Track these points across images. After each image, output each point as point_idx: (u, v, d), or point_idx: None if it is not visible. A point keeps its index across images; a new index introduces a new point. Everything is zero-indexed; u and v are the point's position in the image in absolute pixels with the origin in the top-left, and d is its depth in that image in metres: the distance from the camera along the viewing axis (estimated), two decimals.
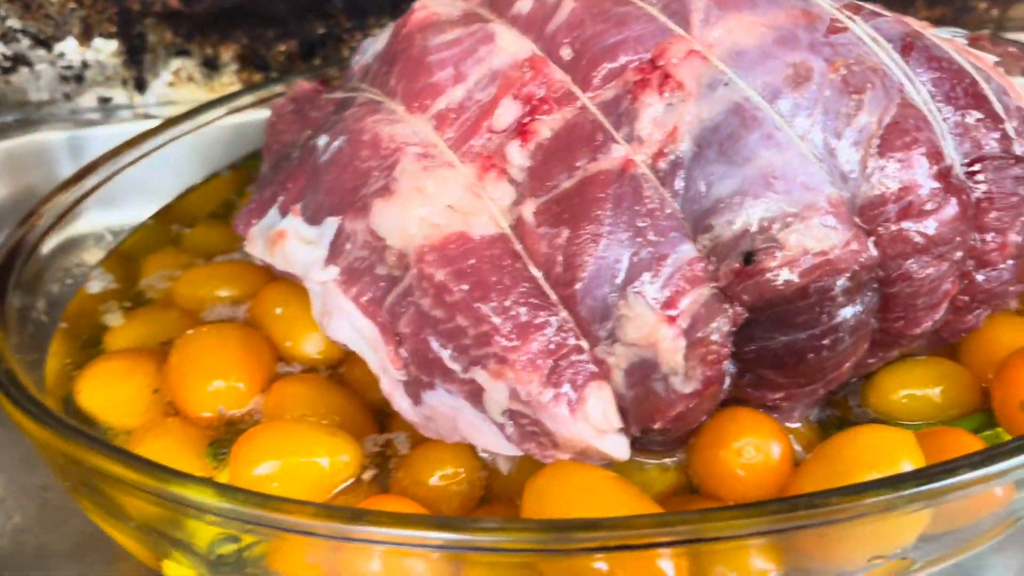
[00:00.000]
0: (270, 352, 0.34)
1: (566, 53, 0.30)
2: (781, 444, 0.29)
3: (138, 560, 0.33)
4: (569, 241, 0.27)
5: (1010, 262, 0.31)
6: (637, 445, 0.30)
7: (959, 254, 0.29)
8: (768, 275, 0.26)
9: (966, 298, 0.30)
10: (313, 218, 0.31)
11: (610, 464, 0.29)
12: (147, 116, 0.54)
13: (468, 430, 0.28)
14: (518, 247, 0.28)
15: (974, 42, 0.36)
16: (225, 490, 0.25)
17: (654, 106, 0.28)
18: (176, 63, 0.53)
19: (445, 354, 0.27)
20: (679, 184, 0.28)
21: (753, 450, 0.28)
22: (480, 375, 0.27)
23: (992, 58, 0.35)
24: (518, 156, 0.29)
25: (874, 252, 0.27)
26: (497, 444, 0.28)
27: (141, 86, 0.53)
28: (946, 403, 0.32)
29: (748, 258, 0.27)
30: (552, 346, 0.27)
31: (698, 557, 0.25)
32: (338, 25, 0.54)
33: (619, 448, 0.28)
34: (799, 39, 0.29)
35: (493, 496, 0.30)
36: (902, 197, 0.27)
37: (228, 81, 0.54)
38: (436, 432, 0.29)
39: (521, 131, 0.29)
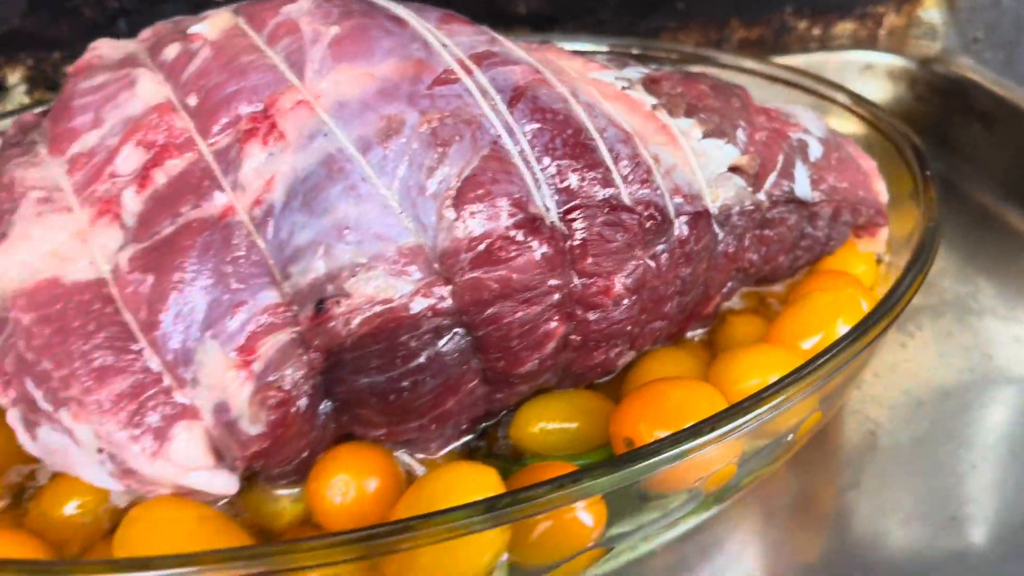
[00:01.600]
0: None
1: (192, 100, 0.31)
2: (378, 478, 0.30)
3: None
4: (152, 288, 0.28)
5: (624, 302, 0.32)
6: (263, 478, 0.32)
7: (557, 296, 0.30)
8: (334, 323, 0.28)
9: (578, 338, 0.32)
10: None
11: (234, 496, 0.31)
12: None
13: (77, 467, 0.29)
14: (114, 292, 0.29)
15: (650, 83, 0.37)
16: None
17: (256, 155, 0.30)
18: None
19: (39, 395, 0.28)
20: (270, 232, 0.29)
21: (343, 487, 0.30)
22: (64, 417, 0.28)
23: (651, 101, 0.36)
24: (132, 202, 0.30)
25: (449, 300, 0.28)
26: (103, 480, 0.29)
27: None
28: (585, 436, 0.34)
29: (319, 306, 0.28)
30: (135, 389, 0.28)
31: None
32: None
33: (219, 484, 0.29)
34: (399, 91, 0.30)
35: None
36: (474, 247, 0.28)
37: (20, 102, 0.55)
38: (58, 466, 0.30)
39: (141, 177, 0.31)
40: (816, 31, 0.69)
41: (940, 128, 0.66)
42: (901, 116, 0.69)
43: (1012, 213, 0.59)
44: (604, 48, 0.55)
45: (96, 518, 0.31)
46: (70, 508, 0.31)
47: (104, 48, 0.35)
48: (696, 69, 0.54)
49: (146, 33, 0.36)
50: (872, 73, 0.68)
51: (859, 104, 0.48)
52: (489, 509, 0.25)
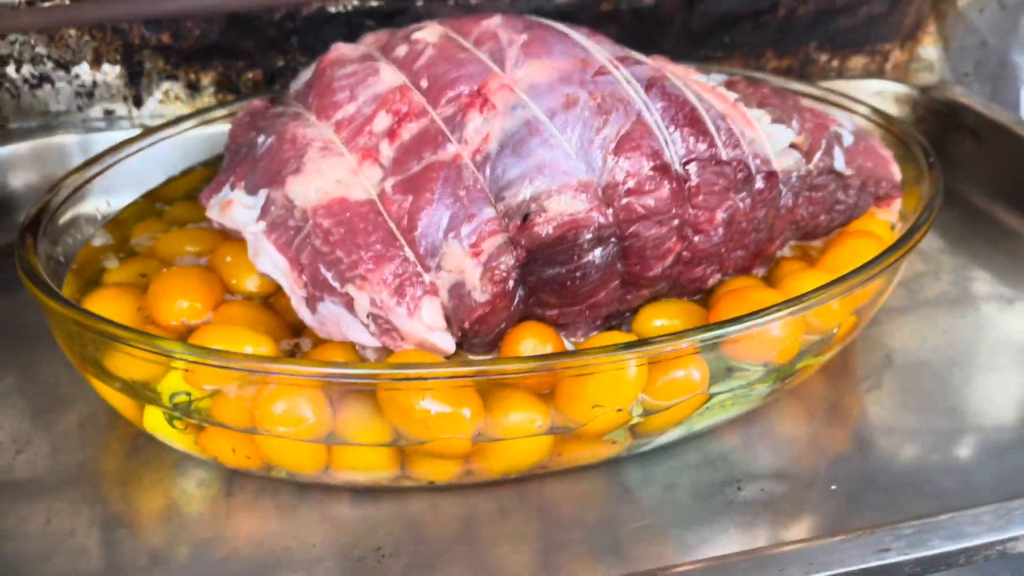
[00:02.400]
0: (221, 286, 0.48)
1: (424, 83, 0.45)
2: (553, 343, 0.43)
3: (125, 427, 0.47)
4: (412, 204, 0.42)
5: (720, 230, 0.45)
6: (465, 347, 0.45)
7: (677, 222, 0.44)
8: (536, 228, 0.41)
9: (688, 254, 0.45)
10: (251, 190, 0.46)
11: (446, 356, 0.44)
12: (142, 126, 0.68)
13: (347, 330, 0.42)
14: (381, 208, 0.42)
15: (729, 84, 0.51)
16: (184, 343, 0.39)
17: (476, 120, 0.43)
18: (166, 85, 0.67)
19: (329, 276, 0.42)
20: (487, 171, 0.42)
21: (532, 347, 0.43)
22: (351, 289, 0.41)
23: (734, 95, 0.50)
24: (387, 149, 0.44)
25: (610, 217, 0.42)
26: (365, 338, 0.42)
27: (138, 102, 0.67)
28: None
29: (525, 217, 0.41)
30: (399, 270, 0.41)
31: (486, 396, 0.39)
32: (294, 59, 0.69)
33: (446, 342, 0.42)
34: (573, 78, 0.44)
35: None
36: (627, 182, 0.42)
37: (207, 100, 0.69)
38: (328, 333, 0.43)
39: (390, 133, 0.44)
40: (835, 63, 0.83)
41: (937, 142, 0.80)
42: None
43: (998, 210, 0.73)
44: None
45: None
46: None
47: (343, 48, 0.49)
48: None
49: (370, 39, 0.50)
50: (881, 97, 0.82)
51: (877, 114, 0.62)
52: (629, 346, 0.39)
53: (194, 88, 0.68)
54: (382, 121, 0.44)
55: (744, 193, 0.46)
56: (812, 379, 0.53)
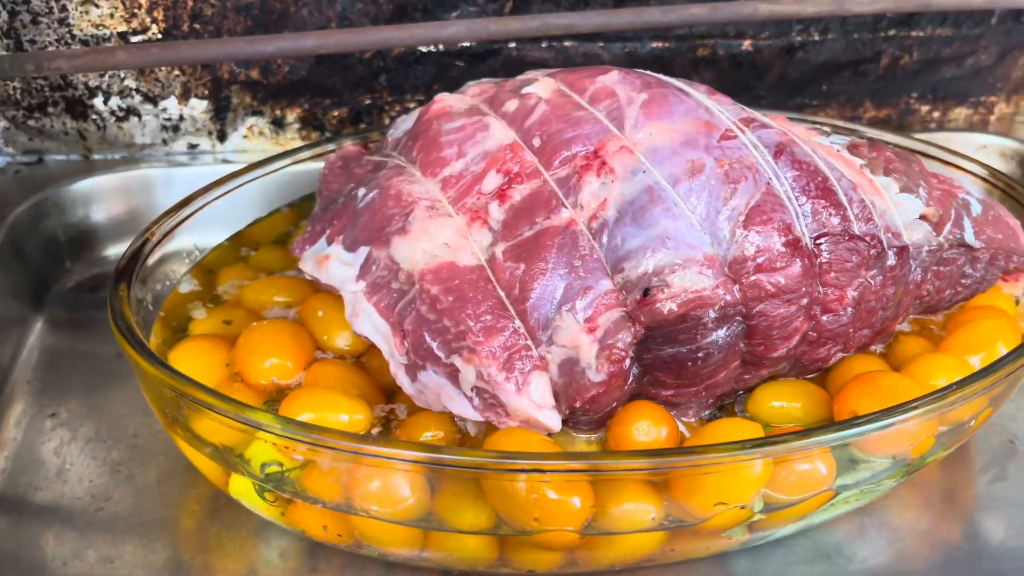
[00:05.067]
0: (311, 342, 0.46)
1: (536, 142, 0.43)
2: (668, 427, 0.40)
3: (206, 486, 0.45)
4: (525, 272, 0.39)
5: (849, 310, 0.42)
6: (571, 424, 0.42)
7: (805, 301, 0.41)
8: (658, 305, 0.38)
9: (814, 334, 0.42)
10: (351, 247, 0.44)
11: (549, 435, 0.41)
12: (225, 161, 0.67)
13: (448, 401, 0.40)
14: (490, 275, 0.40)
15: (852, 148, 0.48)
16: (278, 416, 0.37)
17: (592, 184, 0.41)
18: (251, 120, 0.66)
19: (434, 345, 0.39)
20: (605, 239, 0.40)
21: (646, 429, 0.40)
22: (457, 361, 0.39)
23: (860, 161, 0.47)
24: (496, 212, 0.41)
25: (737, 295, 0.39)
26: (468, 412, 0.40)
27: (222, 137, 0.66)
28: (806, 414, 0.44)
29: (646, 292, 0.38)
30: (508, 343, 0.39)
31: (599, 487, 0.37)
32: (381, 98, 0.67)
33: (553, 421, 0.40)
34: (698, 142, 0.41)
35: None
36: (757, 258, 0.39)
37: (291, 137, 0.67)
38: (426, 403, 0.41)
39: (500, 194, 0.42)
40: (936, 114, 0.79)
41: None
42: None
43: None
44: None
45: (447, 444, 0.41)
46: (428, 435, 0.41)
47: (449, 99, 0.47)
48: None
49: (475, 89, 0.48)
50: (986, 152, 0.78)
51: (995, 176, 0.59)
52: (755, 446, 0.36)
53: (279, 124, 0.67)
54: (492, 181, 0.42)
55: (876, 270, 0.43)
56: (929, 468, 0.49)
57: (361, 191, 0.45)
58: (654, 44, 0.69)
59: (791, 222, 0.40)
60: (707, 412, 0.44)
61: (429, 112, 0.46)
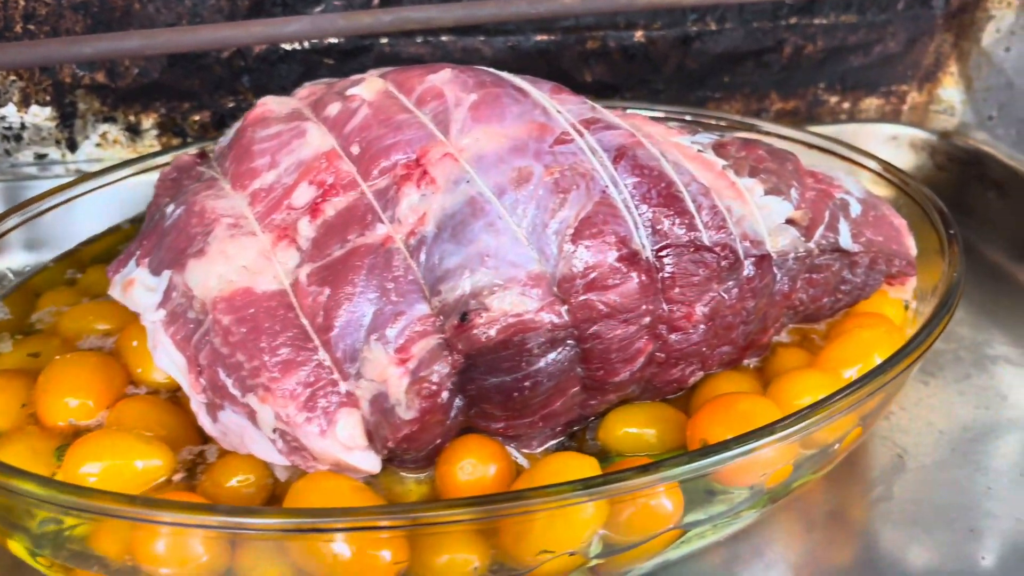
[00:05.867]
0: (122, 377, 0.41)
1: (355, 150, 0.39)
2: (498, 464, 0.36)
3: None
4: (329, 298, 0.35)
5: (700, 327, 0.38)
6: (397, 462, 0.38)
7: (647, 320, 0.37)
8: (475, 331, 0.34)
9: (662, 355, 0.38)
10: (156, 270, 0.39)
11: (372, 476, 0.37)
12: (79, 171, 0.62)
13: (251, 444, 0.36)
14: (293, 301, 0.36)
15: (719, 147, 0.45)
16: (41, 481, 0.32)
17: (411, 196, 0.37)
18: (103, 127, 0.61)
19: (229, 382, 0.35)
20: (422, 257, 0.36)
21: (470, 468, 0.36)
22: (252, 400, 0.34)
23: (722, 162, 0.43)
24: (306, 229, 0.37)
25: (565, 316, 0.35)
26: (272, 456, 0.36)
27: (72, 146, 0.61)
28: (661, 440, 0.40)
29: (463, 317, 0.34)
30: (310, 379, 0.34)
31: (414, 538, 0.33)
32: (246, 100, 0.62)
33: (368, 462, 0.36)
34: (528, 148, 0.37)
35: (277, 499, 0.37)
36: (587, 275, 0.35)
37: (150, 144, 0.62)
38: (231, 445, 0.37)
39: (313, 209, 0.38)
40: (846, 105, 0.76)
41: (957, 194, 0.73)
42: (922, 182, 0.77)
43: (1023, 272, 0.65)
44: (660, 114, 0.62)
45: (257, 490, 0.37)
46: (235, 481, 0.37)
47: (271, 104, 0.42)
48: (742, 135, 0.62)
49: (303, 92, 0.44)
50: (896, 143, 0.75)
51: (889, 171, 0.55)
52: (587, 486, 0.32)
53: (134, 131, 0.62)
54: (304, 194, 0.38)
55: (731, 282, 0.39)
56: (815, 485, 0.46)
57: (170, 207, 0.41)
58: (539, 37, 0.65)
59: (627, 234, 0.36)
60: (554, 441, 0.40)
61: (247, 119, 0.42)
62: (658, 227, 0.37)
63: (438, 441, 0.36)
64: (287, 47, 0.61)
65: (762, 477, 0.37)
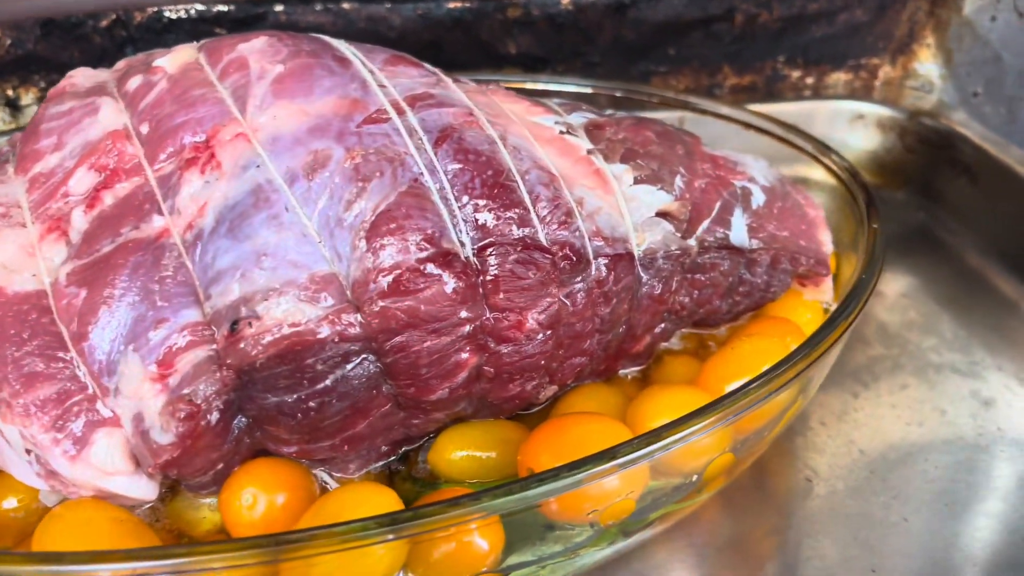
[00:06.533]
0: None
1: (144, 129, 0.34)
2: (287, 493, 0.32)
3: None
4: (84, 301, 0.30)
5: (537, 337, 0.33)
6: (185, 486, 0.33)
7: (467, 329, 0.32)
8: (243, 344, 0.29)
9: (491, 369, 0.33)
10: None
11: (159, 502, 0.32)
12: None
13: (10, 466, 0.32)
14: (52, 304, 0.31)
15: (593, 128, 0.39)
16: None
17: (193, 182, 0.32)
18: None
19: None
20: (197, 255, 0.31)
21: (250, 499, 0.31)
22: None
23: (587, 145, 0.37)
24: (80, 221, 0.33)
25: (357, 327, 0.30)
26: (31, 479, 0.31)
27: None
28: (501, 465, 0.35)
29: (232, 326, 0.30)
30: (60, 395, 0.30)
31: None
32: None
33: (138, 489, 0.31)
34: (330, 127, 0.32)
35: None
36: (382, 278, 0.30)
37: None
38: (2, 464, 0.33)
39: (92, 198, 0.33)
40: (809, 80, 0.69)
41: (926, 179, 0.66)
42: (889, 166, 0.70)
43: (990, 268, 0.59)
44: (588, 90, 0.56)
45: (29, 514, 0.33)
46: (7, 504, 0.33)
47: (79, 77, 0.38)
48: (675, 114, 0.56)
49: (120, 64, 0.39)
50: (863, 123, 0.68)
51: (824, 154, 0.49)
52: (380, 525, 0.27)
53: (14, 107, 0.58)
54: (84, 180, 0.33)
55: (576, 285, 0.33)
56: (709, 507, 0.40)
57: None
58: (452, 4, 0.59)
59: (436, 230, 0.31)
60: (379, 464, 0.35)
61: (51, 92, 0.37)
62: (481, 222, 0.32)
63: (220, 466, 0.32)
64: (172, 15, 0.56)
65: (594, 513, 0.32)
